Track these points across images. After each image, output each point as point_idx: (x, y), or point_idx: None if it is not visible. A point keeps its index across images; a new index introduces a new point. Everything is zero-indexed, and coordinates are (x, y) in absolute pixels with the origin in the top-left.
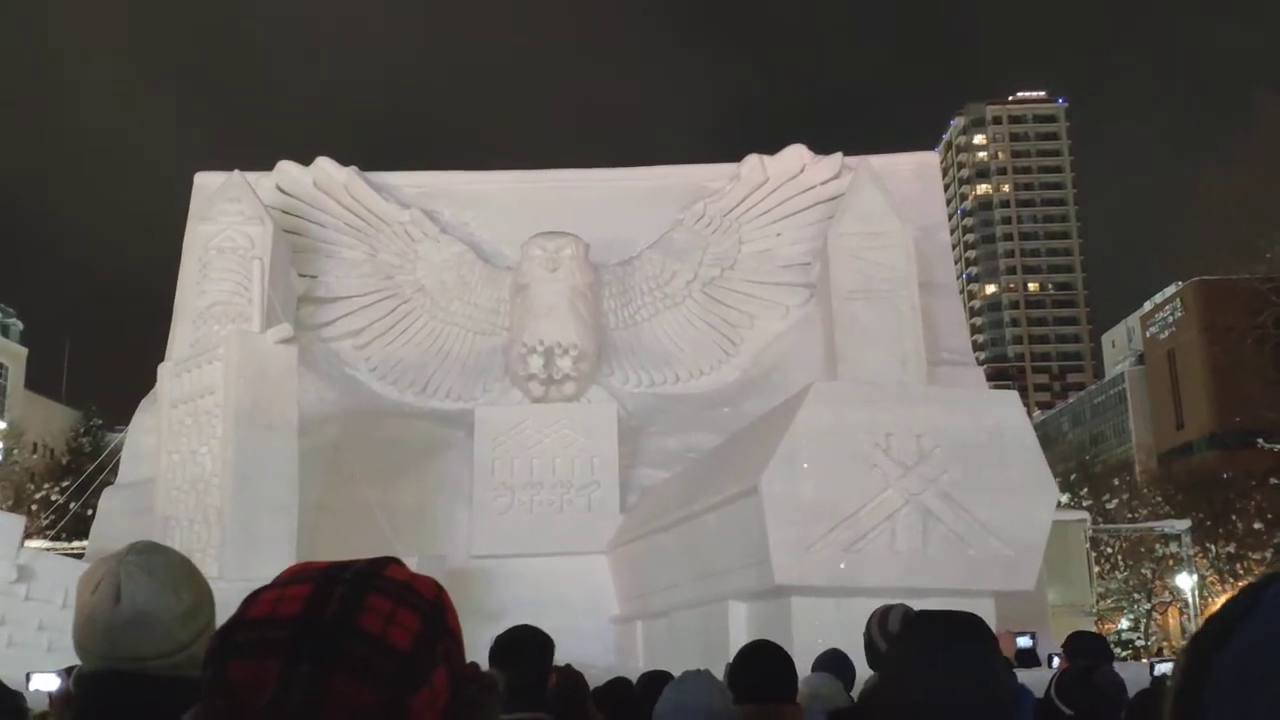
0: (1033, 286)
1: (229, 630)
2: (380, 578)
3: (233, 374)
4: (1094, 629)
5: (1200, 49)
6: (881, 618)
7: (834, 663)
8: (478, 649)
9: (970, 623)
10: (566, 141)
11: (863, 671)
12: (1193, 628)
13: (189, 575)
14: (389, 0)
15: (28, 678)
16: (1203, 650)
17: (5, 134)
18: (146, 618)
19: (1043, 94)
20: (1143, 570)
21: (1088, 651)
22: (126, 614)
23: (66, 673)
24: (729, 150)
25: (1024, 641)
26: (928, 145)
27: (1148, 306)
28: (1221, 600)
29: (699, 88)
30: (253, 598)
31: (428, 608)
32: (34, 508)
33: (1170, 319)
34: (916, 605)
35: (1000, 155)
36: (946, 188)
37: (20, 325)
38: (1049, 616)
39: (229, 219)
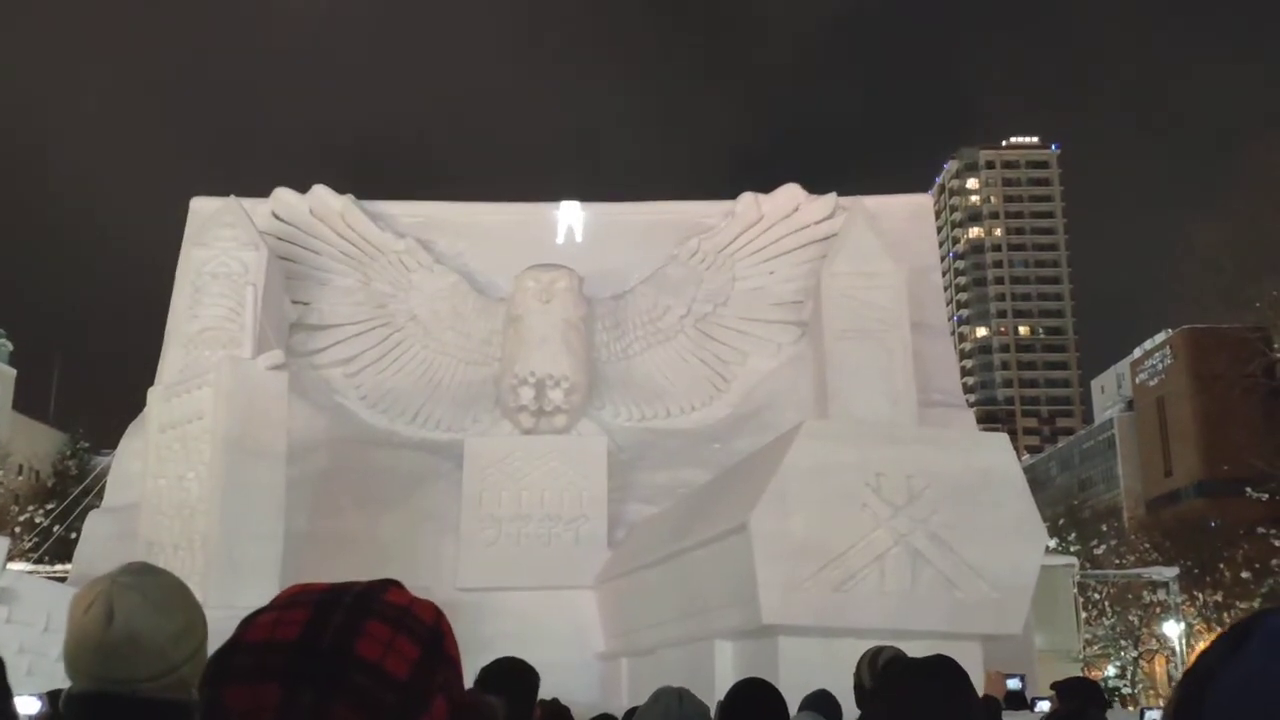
0: (1023, 330)
1: (226, 653)
2: (380, 602)
3: (222, 400)
4: (1081, 675)
5: (1191, 98)
6: (872, 659)
7: (821, 703)
8: (463, 681)
9: (942, 668)
10: (563, 177)
11: (851, 712)
12: (1180, 676)
13: (182, 597)
14: (387, 34)
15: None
16: (1196, 684)
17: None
18: (138, 639)
19: (1035, 140)
20: (1130, 617)
21: (1080, 697)
22: (119, 634)
23: (48, 696)
24: (724, 188)
25: (1014, 684)
26: (921, 188)
27: (1137, 353)
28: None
29: (695, 126)
30: (250, 620)
31: (427, 634)
32: (18, 530)
33: (1160, 366)
34: (903, 647)
35: (993, 199)
36: (939, 230)
37: (10, 346)
38: (1036, 662)
39: (223, 244)
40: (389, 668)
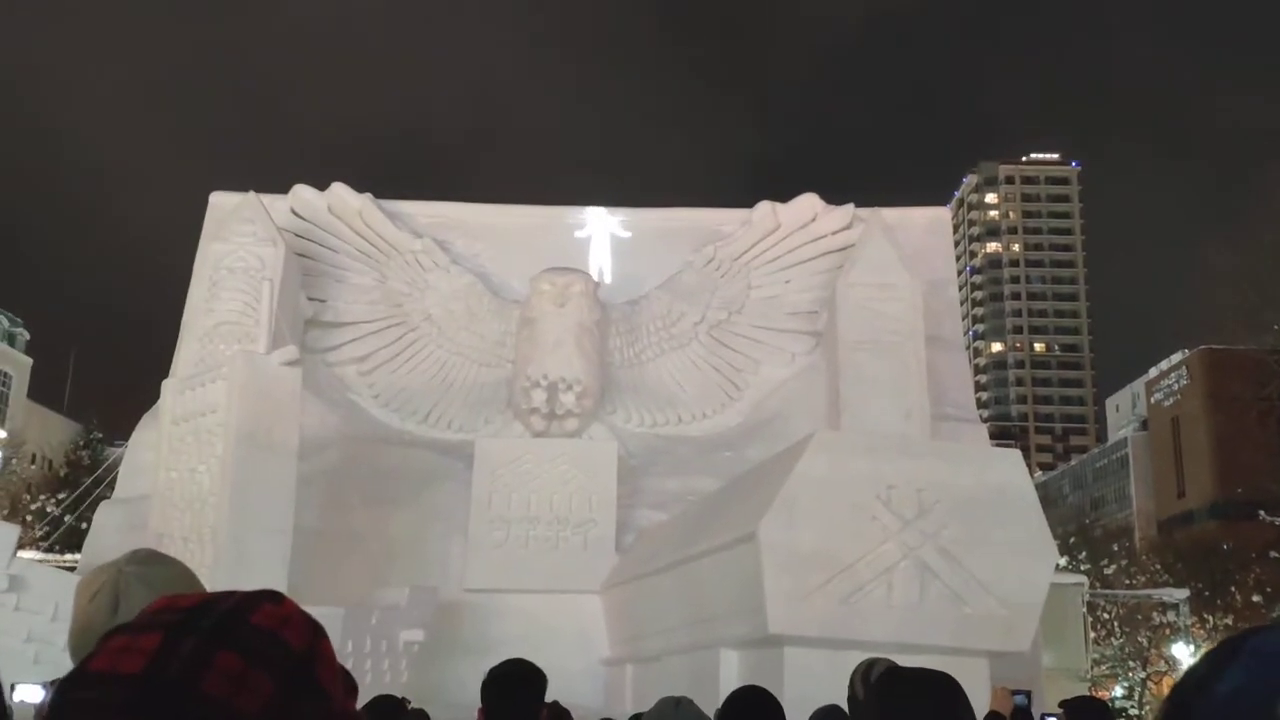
0: (1039, 347)
1: (70, 684)
2: (243, 625)
3: (236, 394)
4: (1088, 694)
5: (1214, 119)
6: (865, 672)
7: (830, 718)
8: (465, 684)
9: (933, 682)
10: (579, 183)
11: None
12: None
13: (188, 587)
14: (408, 33)
15: (11, 688)
16: (1184, 697)
17: (20, 147)
18: None
19: (1056, 156)
20: (1139, 638)
21: (1087, 716)
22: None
23: (53, 684)
24: (741, 197)
25: (1019, 700)
26: (940, 201)
27: (1153, 373)
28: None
29: (712, 135)
30: (105, 640)
31: (292, 663)
32: (29, 518)
33: (1175, 386)
34: (910, 662)
35: (1011, 215)
36: (956, 244)
37: (27, 335)
38: (1043, 679)
39: (242, 239)
40: (238, 705)
